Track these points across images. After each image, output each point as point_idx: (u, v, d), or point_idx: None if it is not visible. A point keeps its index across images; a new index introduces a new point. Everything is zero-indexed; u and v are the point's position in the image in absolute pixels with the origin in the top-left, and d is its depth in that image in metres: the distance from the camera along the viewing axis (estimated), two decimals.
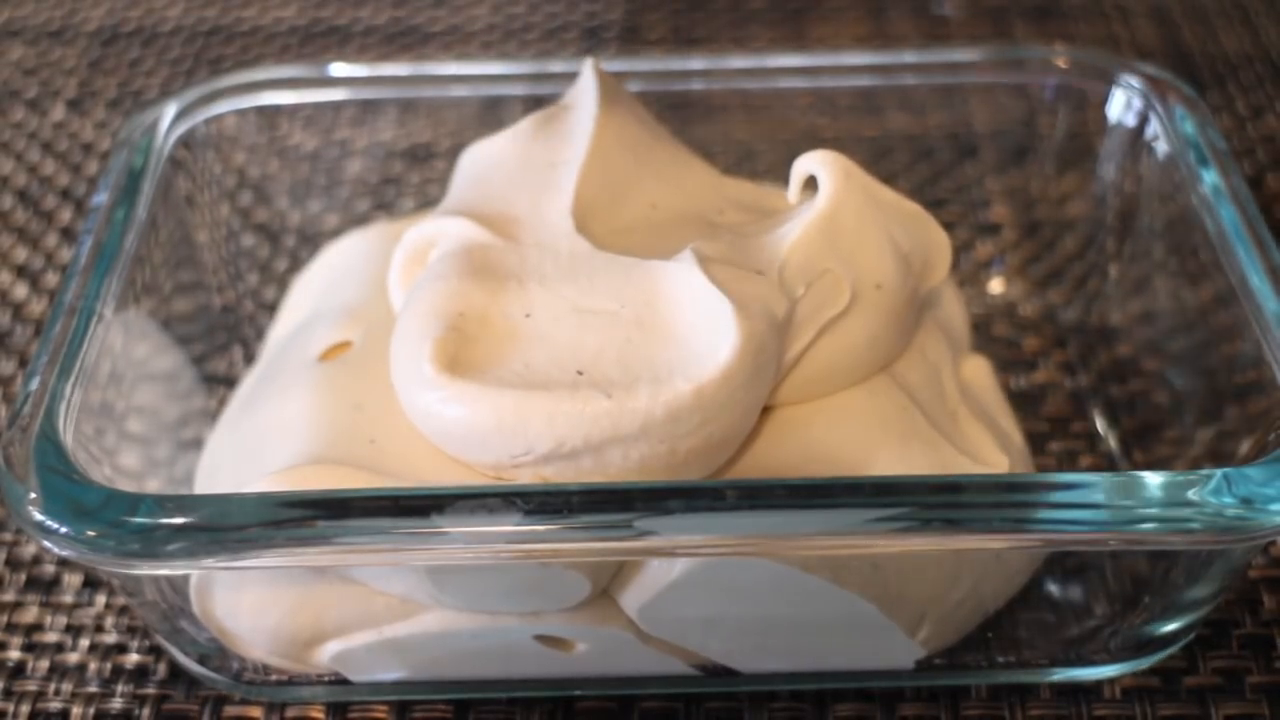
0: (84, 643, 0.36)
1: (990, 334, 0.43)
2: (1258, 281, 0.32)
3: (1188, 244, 0.36)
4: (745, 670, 0.33)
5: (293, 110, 0.42)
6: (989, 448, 0.34)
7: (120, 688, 0.35)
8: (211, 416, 0.38)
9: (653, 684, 0.34)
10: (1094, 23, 0.57)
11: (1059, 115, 0.41)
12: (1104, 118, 0.40)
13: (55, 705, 0.34)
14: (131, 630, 0.36)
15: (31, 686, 0.35)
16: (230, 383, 0.40)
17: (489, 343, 0.30)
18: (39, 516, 0.27)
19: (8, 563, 0.38)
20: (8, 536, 0.38)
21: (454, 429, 0.29)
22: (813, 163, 0.33)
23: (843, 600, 0.30)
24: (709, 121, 0.43)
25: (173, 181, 0.38)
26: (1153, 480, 0.28)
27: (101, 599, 0.37)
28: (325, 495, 0.28)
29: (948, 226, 0.34)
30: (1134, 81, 0.39)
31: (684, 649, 0.32)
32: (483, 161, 0.35)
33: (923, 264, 0.34)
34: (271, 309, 0.41)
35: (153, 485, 0.35)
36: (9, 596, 0.37)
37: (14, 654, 0.36)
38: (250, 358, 0.41)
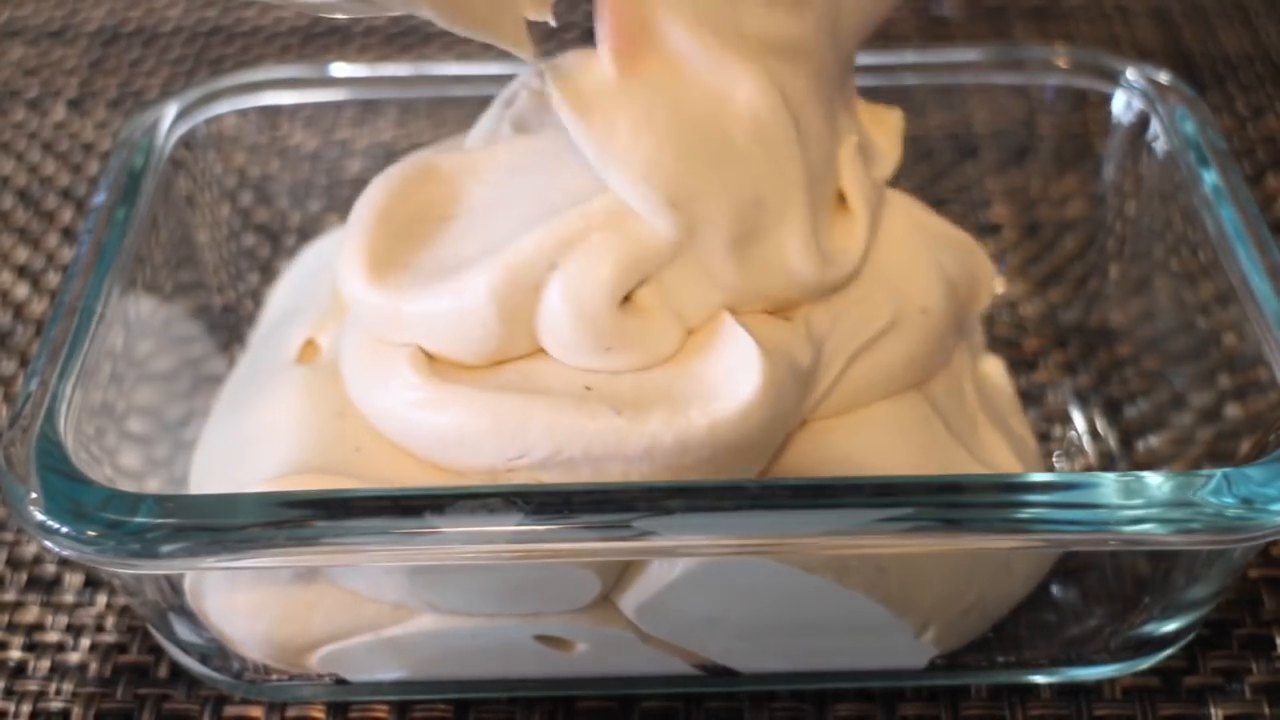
0: (85, 642, 0.36)
1: (991, 334, 0.43)
2: (1258, 281, 0.32)
3: (1188, 244, 0.36)
4: (745, 670, 0.33)
5: (293, 110, 0.41)
6: (1004, 454, 0.34)
7: (120, 688, 0.35)
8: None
9: (653, 684, 0.34)
10: (1094, 23, 0.57)
11: (1059, 115, 0.41)
12: (1104, 118, 0.40)
13: (56, 705, 0.34)
14: (132, 630, 0.36)
15: (32, 686, 0.35)
16: None
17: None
18: (40, 516, 0.27)
19: (9, 563, 0.38)
20: (8, 536, 0.38)
21: (448, 434, 0.29)
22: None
23: (846, 600, 0.30)
24: None
25: (173, 181, 0.38)
26: (1153, 480, 0.28)
27: (102, 599, 0.37)
28: (326, 495, 0.28)
29: None
30: (1134, 81, 0.39)
31: (684, 649, 0.32)
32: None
33: (968, 292, 0.34)
34: None
35: (153, 485, 0.35)
36: (10, 596, 0.37)
37: (15, 654, 0.36)
38: None
